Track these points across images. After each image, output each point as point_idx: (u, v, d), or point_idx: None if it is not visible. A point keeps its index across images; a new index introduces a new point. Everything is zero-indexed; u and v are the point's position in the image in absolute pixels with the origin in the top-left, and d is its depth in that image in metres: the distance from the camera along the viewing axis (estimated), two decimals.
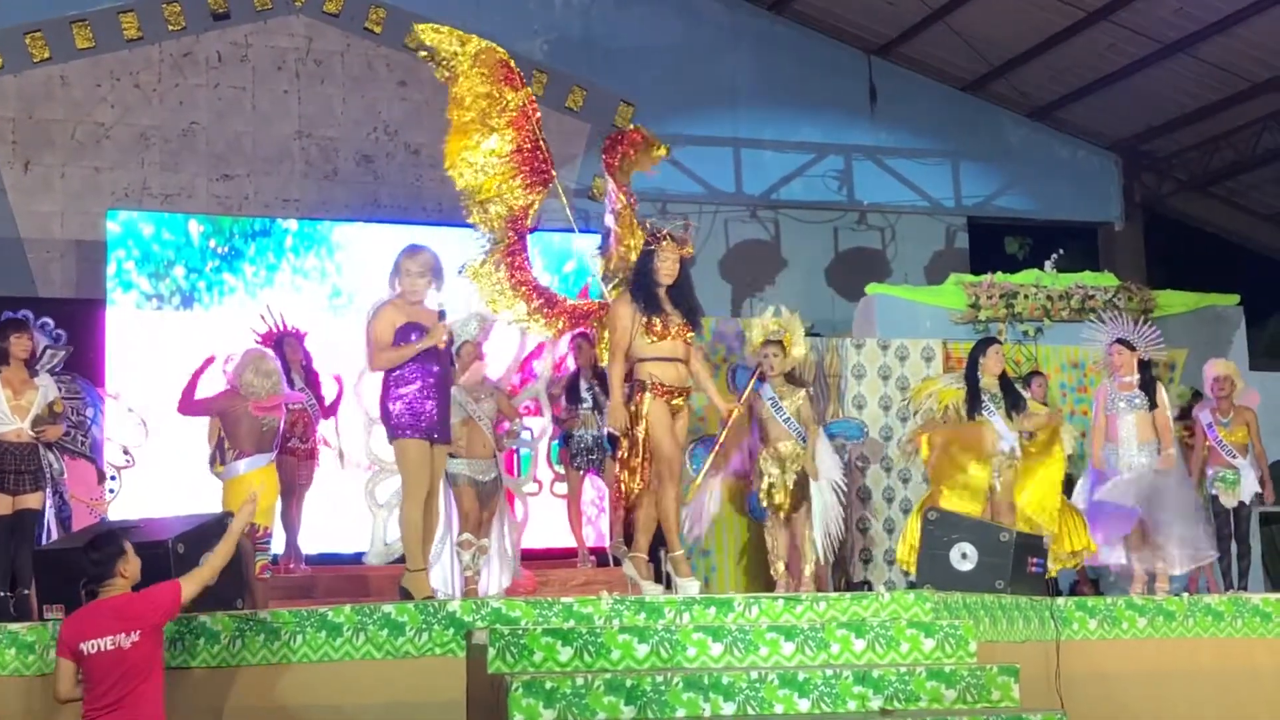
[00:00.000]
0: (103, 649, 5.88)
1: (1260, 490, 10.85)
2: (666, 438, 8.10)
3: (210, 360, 9.67)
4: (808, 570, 9.88)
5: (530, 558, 9.78)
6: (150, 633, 6.02)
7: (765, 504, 9.89)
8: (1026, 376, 11.68)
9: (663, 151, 9.68)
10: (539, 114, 9.10)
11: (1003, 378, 10.00)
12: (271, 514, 9.80)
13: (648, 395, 8.10)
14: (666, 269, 8.19)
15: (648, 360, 8.14)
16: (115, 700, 5.88)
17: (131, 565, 6.17)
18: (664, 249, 8.22)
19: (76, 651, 5.93)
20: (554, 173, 9.28)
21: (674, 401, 8.14)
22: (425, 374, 7.77)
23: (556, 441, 10.96)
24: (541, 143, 9.17)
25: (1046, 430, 10.08)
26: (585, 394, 10.83)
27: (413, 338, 7.72)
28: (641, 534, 8.27)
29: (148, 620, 6.02)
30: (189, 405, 9.51)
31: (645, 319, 8.13)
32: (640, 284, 8.26)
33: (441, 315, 7.87)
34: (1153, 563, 9.80)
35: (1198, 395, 12.09)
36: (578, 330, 11.59)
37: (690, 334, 8.18)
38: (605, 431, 10.71)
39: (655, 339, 8.12)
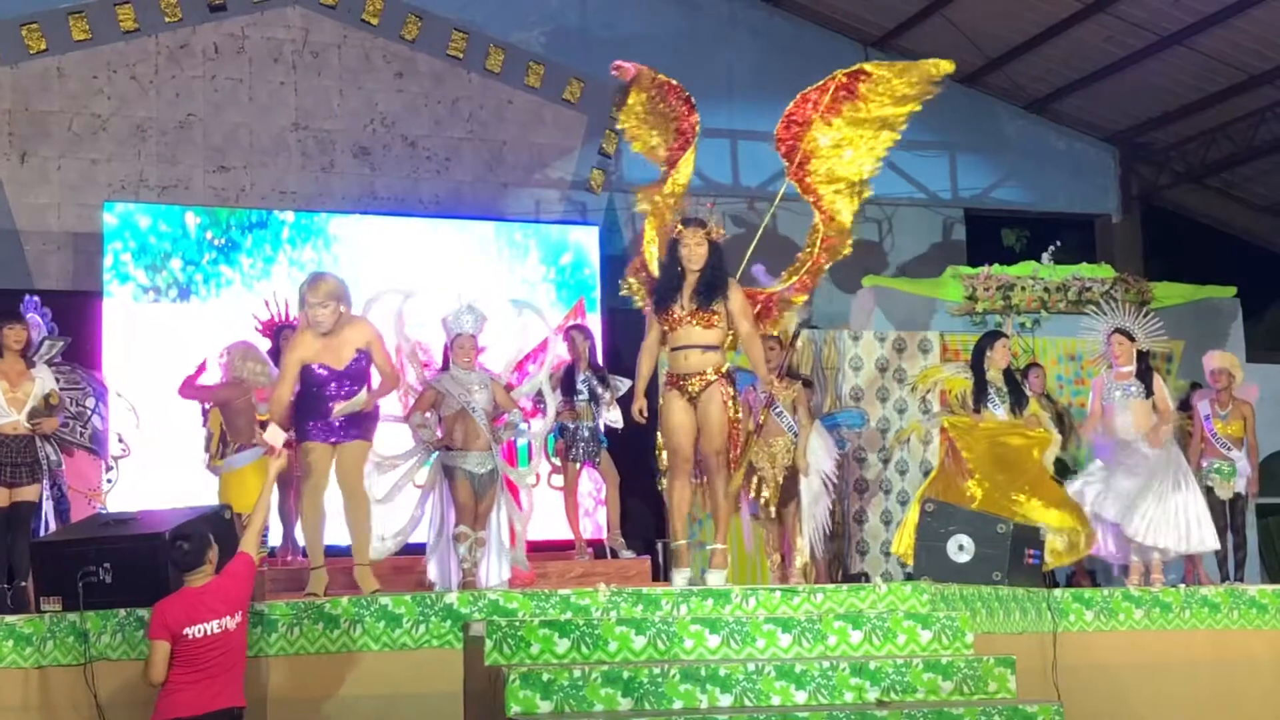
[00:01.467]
0: (209, 632, 6.13)
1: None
2: (674, 431, 8.20)
3: (203, 367, 9.67)
4: (798, 562, 9.91)
5: (527, 550, 9.77)
6: (247, 609, 6.39)
7: (755, 498, 9.90)
8: (1025, 369, 11.68)
9: (942, 66, 9.14)
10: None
11: (1007, 372, 10.02)
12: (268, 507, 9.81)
13: (668, 389, 8.27)
14: (688, 255, 8.23)
15: (670, 353, 8.27)
16: (208, 676, 6.12)
17: (214, 552, 6.43)
18: (685, 236, 8.25)
19: (178, 636, 6.11)
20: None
21: (690, 388, 8.15)
22: (323, 378, 7.96)
23: (552, 434, 10.96)
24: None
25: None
26: (581, 386, 10.82)
27: (316, 371, 8.00)
28: (672, 521, 8.40)
29: (246, 598, 6.38)
30: (191, 390, 9.51)
31: (658, 315, 8.26)
32: (660, 277, 8.33)
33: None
34: (1148, 554, 9.81)
35: (1195, 387, 12.11)
36: (571, 324, 11.61)
37: (702, 315, 8.16)
38: (601, 424, 10.77)
39: (668, 329, 8.23)
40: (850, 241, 9.18)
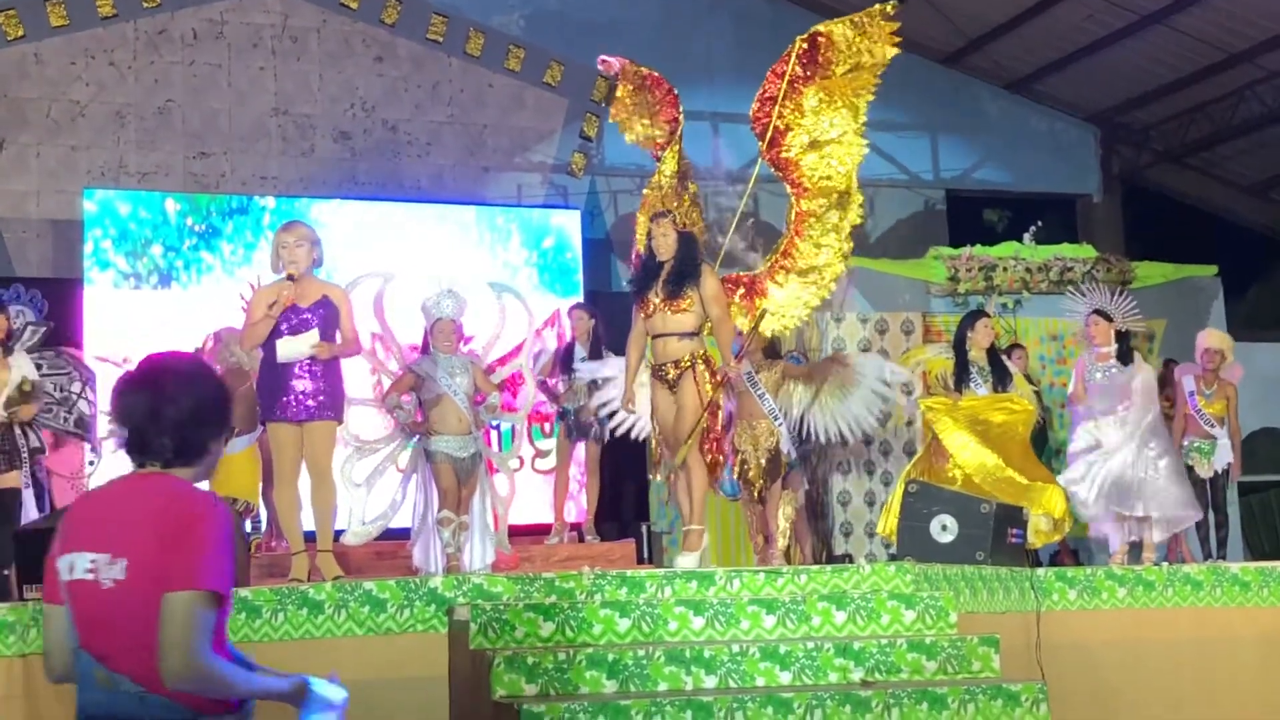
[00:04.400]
0: None
1: (1230, 462, 10.96)
2: (662, 423, 8.44)
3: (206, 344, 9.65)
4: (781, 544, 9.92)
5: (512, 534, 9.78)
6: None
7: (739, 480, 9.92)
8: (1007, 349, 11.71)
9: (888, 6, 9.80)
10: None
11: (990, 351, 10.04)
12: (254, 493, 9.81)
13: (651, 380, 8.47)
14: (657, 245, 8.39)
15: (650, 341, 8.47)
16: None
17: None
18: (654, 227, 8.45)
19: None
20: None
21: (668, 375, 8.30)
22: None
23: (534, 425, 10.94)
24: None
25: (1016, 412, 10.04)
26: (578, 365, 10.78)
27: (283, 325, 7.74)
28: (681, 507, 8.61)
29: None
30: None
31: (636, 304, 8.47)
32: (638, 269, 8.53)
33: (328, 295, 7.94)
34: (1139, 532, 9.85)
35: (1170, 363, 12.16)
36: (575, 303, 11.62)
37: (674, 301, 8.25)
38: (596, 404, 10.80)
39: (646, 318, 8.38)
40: (858, 203, 9.49)
